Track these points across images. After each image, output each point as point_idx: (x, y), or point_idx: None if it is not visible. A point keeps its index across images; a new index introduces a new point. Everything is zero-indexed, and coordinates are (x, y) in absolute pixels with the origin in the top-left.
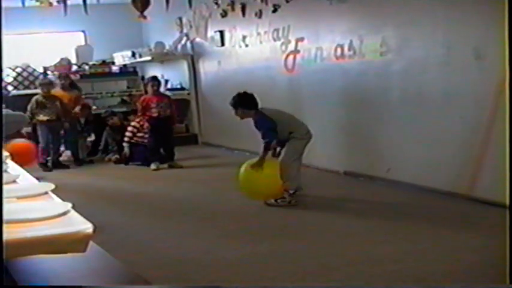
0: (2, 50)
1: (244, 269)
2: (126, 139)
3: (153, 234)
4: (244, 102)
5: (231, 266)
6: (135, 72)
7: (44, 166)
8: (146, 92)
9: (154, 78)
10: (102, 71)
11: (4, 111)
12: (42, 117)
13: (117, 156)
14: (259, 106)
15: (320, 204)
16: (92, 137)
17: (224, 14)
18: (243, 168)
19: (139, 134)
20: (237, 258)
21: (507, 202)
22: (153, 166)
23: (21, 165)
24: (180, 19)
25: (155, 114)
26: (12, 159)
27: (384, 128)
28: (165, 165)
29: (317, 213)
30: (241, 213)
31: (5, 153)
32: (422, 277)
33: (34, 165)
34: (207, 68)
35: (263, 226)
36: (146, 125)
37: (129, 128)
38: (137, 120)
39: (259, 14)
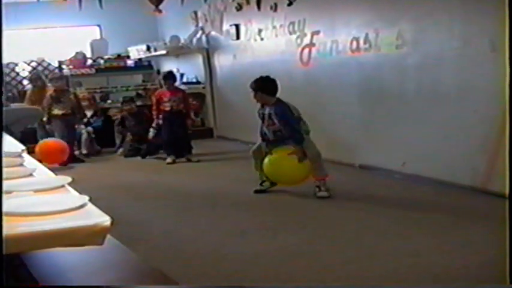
0: (2, 48)
1: (261, 263)
2: (153, 125)
3: (169, 227)
4: (266, 86)
5: (248, 260)
6: (150, 66)
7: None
8: (161, 86)
9: (169, 73)
10: (117, 65)
11: (20, 105)
12: (57, 111)
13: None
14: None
15: (335, 198)
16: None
17: (239, 8)
18: (273, 157)
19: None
20: (254, 253)
21: (507, 203)
22: (168, 159)
23: (52, 163)
24: (195, 13)
25: (167, 108)
26: (43, 158)
27: (399, 121)
28: (183, 159)
29: (332, 206)
30: (260, 206)
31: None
32: (435, 271)
33: (65, 162)
34: (222, 62)
35: (281, 219)
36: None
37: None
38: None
39: (275, 8)
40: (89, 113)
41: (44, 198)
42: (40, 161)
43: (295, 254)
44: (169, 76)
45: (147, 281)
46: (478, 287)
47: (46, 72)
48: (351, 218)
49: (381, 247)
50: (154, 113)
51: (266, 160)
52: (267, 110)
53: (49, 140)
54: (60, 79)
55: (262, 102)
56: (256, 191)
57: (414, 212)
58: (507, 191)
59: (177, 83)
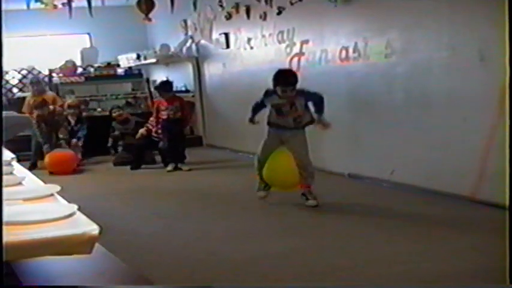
0: (2, 53)
1: (249, 269)
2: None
3: (160, 234)
4: (296, 80)
5: (236, 265)
6: (140, 75)
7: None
8: (150, 94)
9: (161, 84)
10: (107, 73)
11: (9, 113)
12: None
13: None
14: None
15: (324, 206)
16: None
17: (229, 17)
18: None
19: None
20: (243, 258)
21: (507, 203)
22: (169, 167)
23: (61, 174)
24: (185, 21)
25: (165, 117)
26: (53, 168)
27: (388, 130)
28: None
29: (321, 215)
30: (251, 213)
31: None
32: (426, 278)
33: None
34: (211, 70)
35: (271, 226)
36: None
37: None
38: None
39: (264, 17)
40: (72, 121)
41: (33, 207)
42: (51, 172)
43: (283, 261)
44: (163, 86)
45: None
46: (478, 287)
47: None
48: (340, 226)
49: (369, 255)
50: (154, 121)
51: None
52: (287, 101)
53: (58, 151)
54: (37, 84)
55: (291, 97)
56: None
57: (402, 220)
58: (507, 192)
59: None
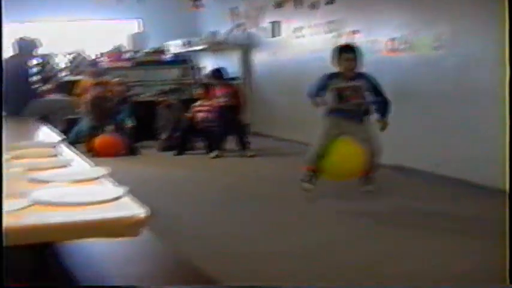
0: (2, 47)
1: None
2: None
3: (200, 222)
4: (359, 50)
5: (272, 259)
6: (187, 61)
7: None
8: (198, 81)
9: (215, 71)
10: (155, 59)
11: (57, 96)
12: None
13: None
14: None
15: (365, 198)
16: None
17: (278, 5)
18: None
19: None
20: (280, 252)
21: (507, 203)
22: (212, 154)
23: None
24: (234, 9)
25: (220, 104)
26: (100, 152)
27: (434, 122)
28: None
29: (363, 206)
30: (293, 204)
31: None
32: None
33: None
34: (259, 58)
35: (311, 217)
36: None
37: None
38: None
39: (314, 6)
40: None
41: (81, 189)
42: (98, 155)
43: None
44: (217, 74)
45: (177, 273)
46: (478, 287)
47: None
48: (382, 218)
49: (406, 250)
50: (208, 107)
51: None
52: (350, 83)
53: (107, 135)
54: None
55: (351, 69)
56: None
57: (446, 214)
58: (507, 190)
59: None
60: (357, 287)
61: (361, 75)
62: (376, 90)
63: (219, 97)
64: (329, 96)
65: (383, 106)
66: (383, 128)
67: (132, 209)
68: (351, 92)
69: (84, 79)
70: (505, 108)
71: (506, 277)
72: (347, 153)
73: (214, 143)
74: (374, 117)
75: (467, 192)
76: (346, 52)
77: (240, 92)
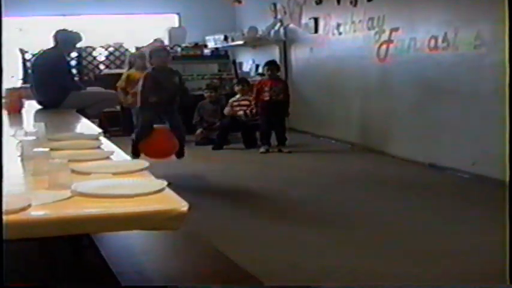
0: (1, 45)
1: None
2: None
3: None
4: None
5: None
6: (226, 56)
7: None
8: (237, 76)
9: (272, 62)
10: (194, 54)
11: (96, 89)
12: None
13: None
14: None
15: (400, 192)
16: None
17: (319, 1)
18: None
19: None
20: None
21: (507, 203)
22: (261, 149)
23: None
24: (275, 5)
25: (267, 98)
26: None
27: (472, 121)
28: (275, 149)
29: (393, 201)
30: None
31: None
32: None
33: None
34: (298, 55)
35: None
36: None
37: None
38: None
39: (355, 3)
40: None
41: (123, 181)
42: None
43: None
44: (273, 64)
45: (215, 267)
46: (478, 287)
47: (123, 57)
48: (415, 216)
49: (439, 247)
50: (253, 102)
51: None
52: None
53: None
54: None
55: None
56: None
57: (480, 213)
58: (507, 190)
59: (252, 74)
60: (357, 287)
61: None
62: None
63: (267, 91)
64: None
65: None
66: None
67: (174, 202)
68: None
69: (131, 72)
70: None
71: (506, 277)
72: None
73: (261, 138)
74: None
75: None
76: None
77: (288, 87)
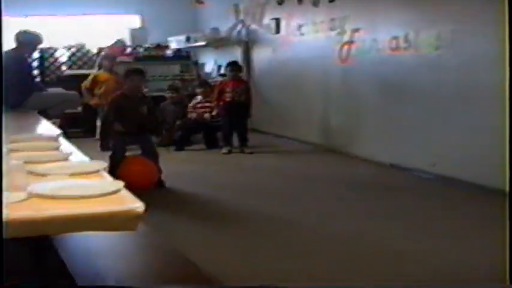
0: (2, 45)
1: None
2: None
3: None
4: None
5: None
6: (188, 57)
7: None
8: (199, 76)
9: (234, 62)
10: (156, 54)
11: (58, 90)
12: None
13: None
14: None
15: (361, 194)
16: None
17: (281, 2)
18: None
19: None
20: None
21: (507, 203)
22: (223, 150)
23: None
24: (236, 5)
25: (229, 99)
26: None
27: (433, 122)
28: (237, 150)
29: (355, 202)
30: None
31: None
32: (458, 272)
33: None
34: (261, 55)
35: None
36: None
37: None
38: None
39: (316, 3)
40: None
41: (79, 183)
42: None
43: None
44: (235, 65)
45: (174, 267)
46: (478, 287)
47: (85, 58)
48: (376, 216)
49: (400, 248)
50: (215, 103)
51: None
52: None
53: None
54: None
55: None
56: None
57: (440, 213)
58: (507, 189)
59: (214, 75)
60: (357, 287)
61: None
62: None
63: (229, 92)
64: None
65: None
66: None
67: (130, 202)
68: None
69: (98, 73)
70: (504, 107)
71: (506, 277)
72: None
73: (223, 139)
74: None
75: (463, 191)
76: None
77: (250, 88)
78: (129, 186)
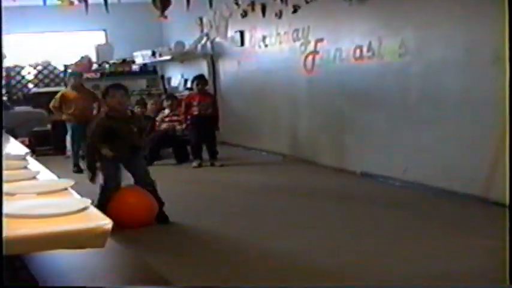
0: (2, 53)
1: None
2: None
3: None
4: None
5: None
6: (154, 71)
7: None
8: (165, 91)
9: (201, 76)
10: (122, 70)
11: (25, 108)
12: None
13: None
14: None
15: (333, 202)
16: None
17: (244, 14)
18: None
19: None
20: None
21: (507, 203)
22: (194, 163)
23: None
24: (201, 19)
25: (196, 113)
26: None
27: (401, 129)
28: (208, 163)
29: (330, 210)
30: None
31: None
32: (431, 276)
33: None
34: (226, 68)
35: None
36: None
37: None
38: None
39: (279, 15)
40: None
41: (47, 201)
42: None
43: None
44: (201, 79)
45: (147, 283)
46: (478, 287)
47: (51, 76)
48: (349, 223)
49: (377, 253)
50: (182, 116)
51: None
52: None
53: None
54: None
55: None
56: None
57: (412, 219)
58: (507, 192)
59: (181, 88)
60: (357, 287)
61: None
62: None
63: (196, 106)
64: None
65: None
66: None
67: (97, 219)
68: None
69: (65, 91)
70: (463, 109)
71: (506, 277)
72: None
73: (193, 153)
74: None
75: (432, 196)
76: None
77: (217, 101)
78: (123, 223)
